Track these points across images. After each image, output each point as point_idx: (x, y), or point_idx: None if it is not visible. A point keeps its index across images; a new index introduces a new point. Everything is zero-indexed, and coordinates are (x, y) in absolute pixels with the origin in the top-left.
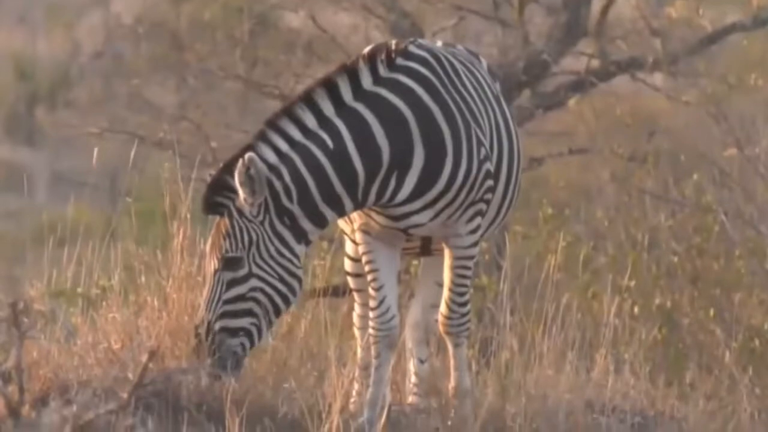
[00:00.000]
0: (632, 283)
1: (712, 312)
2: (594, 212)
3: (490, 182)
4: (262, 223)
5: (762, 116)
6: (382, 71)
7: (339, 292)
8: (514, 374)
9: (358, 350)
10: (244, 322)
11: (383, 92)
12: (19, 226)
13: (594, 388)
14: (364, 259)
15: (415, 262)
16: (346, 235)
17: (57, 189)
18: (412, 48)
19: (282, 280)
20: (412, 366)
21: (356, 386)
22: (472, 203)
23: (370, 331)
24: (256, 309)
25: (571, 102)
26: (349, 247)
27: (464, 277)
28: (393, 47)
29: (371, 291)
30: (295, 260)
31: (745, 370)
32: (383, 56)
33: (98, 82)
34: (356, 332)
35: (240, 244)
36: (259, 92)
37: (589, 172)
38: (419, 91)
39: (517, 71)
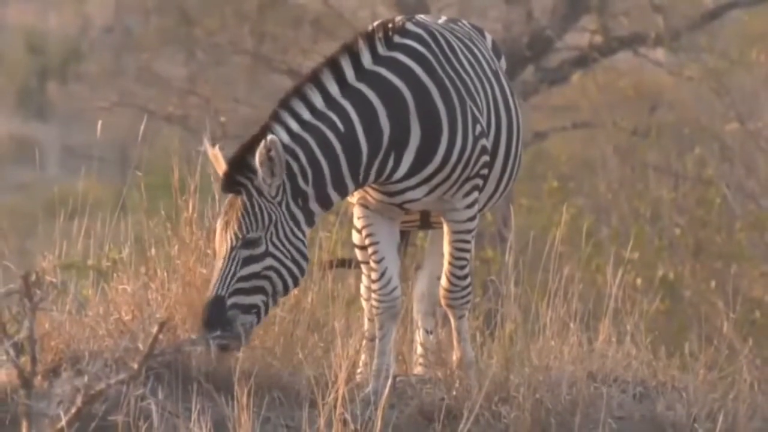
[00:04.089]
0: (635, 255)
1: (713, 284)
2: (597, 185)
3: (485, 158)
4: (280, 204)
5: (763, 91)
6: (381, 50)
7: (346, 264)
8: (518, 345)
9: (365, 322)
10: (256, 299)
11: (383, 71)
12: (31, 199)
13: (596, 358)
14: (363, 232)
15: (421, 234)
16: (352, 206)
17: (68, 162)
18: (409, 25)
19: (294, 260)
20: (418, 337)
21: (363, 357)
22: (468, 179)
23: (373, 303)
24: (268, 287)
25: (575, 77)
26: (356, 219)
27: (463, 250)
28: (391, 25)
29: (372, 263)
30: (305, 240)
31: (745, 341)
32: (381, 34)
33: (108, 57)
34: (363, 304)
35: (261, 224)
36: (267, 67)
37: (593, 145)
38: (415, 68)
39: (522, 47)
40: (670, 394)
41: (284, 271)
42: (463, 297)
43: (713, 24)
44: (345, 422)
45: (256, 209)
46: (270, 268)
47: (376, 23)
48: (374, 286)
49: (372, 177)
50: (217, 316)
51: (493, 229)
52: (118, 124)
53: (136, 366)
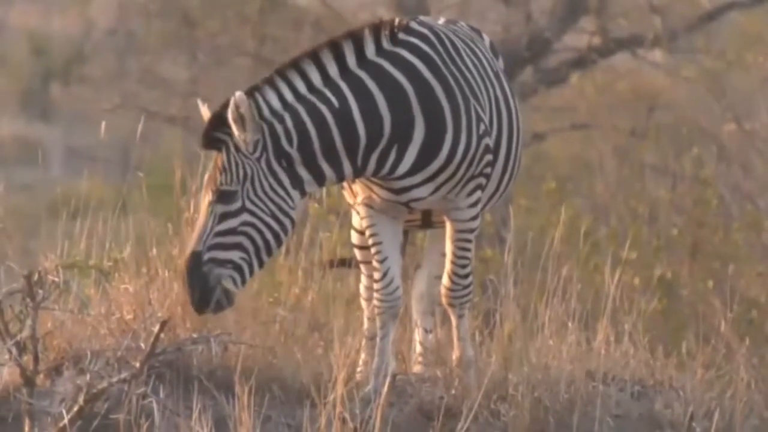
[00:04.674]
0: (633, 255)
1: (710, 283)
2: (595, 186)
3: (489, 157)
4: (258, 160)
5: (760, 92)
6: (385, 44)
7: (346, 263)
8: (517, 344)
9: (365, 321)
10: (233, 255)
11: (385, 64)
12: (34, 200)
13: (595, 357)
14: (367, 232)
15: (420, 234)
16: (352, 208)
17: (71, 163)
18: (413, 24)
19: (274, 217)
20: (417, 336)
21: (363, 356)
22: (472, 177)
23: (375, 302)
24: (247, 244)
25: (573, 78)
26: (355, 220)
27: (465, 249)
28: (396, 23)
29: (375, 263)
30: (288, 201)
31: (742, 341)
32: (387, 30)
33: (111, 59)
34: (363, 303)
35: (235, 178)
36: (268, 69)
37: (591, 146)
38: (420, 66)
39: (520, 48)
40: (667, 392)
41: (263, 228)
42: (464, 296)
43: (710, 25)
44: (345, 421)
45: (232, 164)
46: (247, 224)
47: (382, 19)
48: (377, 286)
49: (372, 167)
50: (194, 271)
51: (492, 230)
52: (120, 126)
53: (137, 365)
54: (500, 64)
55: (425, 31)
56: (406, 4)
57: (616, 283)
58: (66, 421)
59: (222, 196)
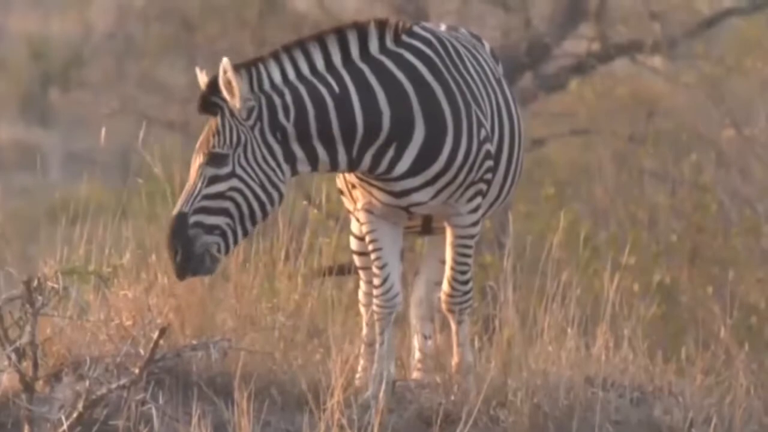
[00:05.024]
0: (632, 261)
1: (710, 289)
2: (595, 191)
3: (490, 163)
4: (252, 128)
5: (759, 97)
6: (389, 43)
7: (345, 270)
8: (516, 350)
9: (364, 327)
10: (219, 220)
11: (387, 62)
12: (33, 205)
13: (594, 363)
14: (367, 237)
15: (419, 240)
16: (351, 214)
17: (70, 168)
18: (416, 28)
19: (263, 186)
20: (416, 342)
21: (362, 362)
22: (472, 183)
23: (374, 308)
24: (233, 210)
25: (573, 84)
26: (354, 226)
27: (466, 255)
28: (400, 24)
29: (374, 269)
30: (279, 173)
31: (741, 346)
32: (391, 30)
33: (110, 63)
34: (362, 309)
35: (227, 142)
36: None
37: (590, 152)
38: (421, 68)
39: (520, 54)
40: (666, 398)
41: (251, 195)
42: (464, 302)
43: (710, 31)
44: (343, 427)
45: (226, 128)
46: (235, 189)
47: (388, 18)
48: (376, 292)
49: (368, 162)
50: (178, 233)
51: (491, 235)
52: (119, 131)
53: (137, 371)
54: (500, 70)
55: (428, 35)
56: (405, 9)
57: (616, 288)
58: (65, 427)
59: (213, 159)
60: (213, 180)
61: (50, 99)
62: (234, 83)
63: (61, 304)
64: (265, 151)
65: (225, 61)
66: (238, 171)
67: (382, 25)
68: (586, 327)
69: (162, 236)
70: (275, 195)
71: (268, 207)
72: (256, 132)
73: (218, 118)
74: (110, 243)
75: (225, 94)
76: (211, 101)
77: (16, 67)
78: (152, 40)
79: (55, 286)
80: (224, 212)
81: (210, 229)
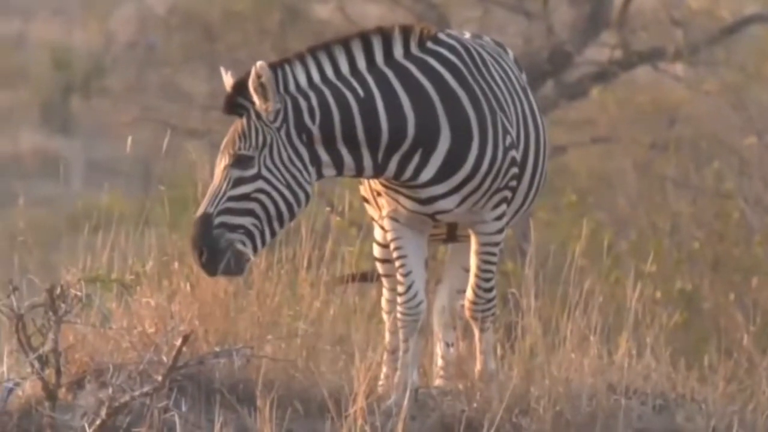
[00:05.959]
0: (654, 269)
1: (732, 296)
2: (616, 199)
3: (515, 170)
4: (278, 129)
5: None
6: (414, 49)
7: (368, 277)
8: (539, 358)
9: (386, 334)
10: (244, 221)
11: (412, 68)
12: (55, 213)
13: (616, 371)
14: (392, 245)
15: (442, 248)
16: (374, 222)
17: (92, 176)
18: (441, 35)
19: (289, 187)
20: (438, 350)
21: (384, 369)
22: (498, 190)
23: (398, 315)
24: (259, 211)
25: (594, 91)
26: (377, 234)
27: (490, 263)
28: (425, 30)
29: (399, 276)
30: (305, 174)
31: (764, 354)
32: (416, 36)
33: (132, 72)
34: (384, 316)
35: (253, 144)
36: None
37: (612, 160)
38: (446, 75)
39: (541, 61)
40: (689, 406)
41: (277, 197)
42: (487, 309)
43: (731, 38)
44: None
45: (252, 130)
46: (261, 191)
47: (413, 24)
48: (400, 299)
49: (393, 168)
50: (203, 233)
51: (513, 243)
52: (141, 139)
53: (159, 378)
54: (524, 78)
55: (453, 42)
56: (427, 17)
57: (638, 296)
58: None
59: (239, 161)
60: (238, 182)
61: (72, 107)
62: (269, 87)
63: (84, 312)
64: (291, 153)
65: (261, 65)
66: (264, 172)
67: (406, 31)
68: (609, 335)
69: (186, 238)
70: (302, 195)
71: (295, 208)
72: (282, 134)
73: (244, 120)
74: (133, 251)
75: (255, 97)
76: (236, 102)
77: (38, 75)
78: (173, 49)
79: (78, 293)
80: (250, 213)
81: (234, 228)
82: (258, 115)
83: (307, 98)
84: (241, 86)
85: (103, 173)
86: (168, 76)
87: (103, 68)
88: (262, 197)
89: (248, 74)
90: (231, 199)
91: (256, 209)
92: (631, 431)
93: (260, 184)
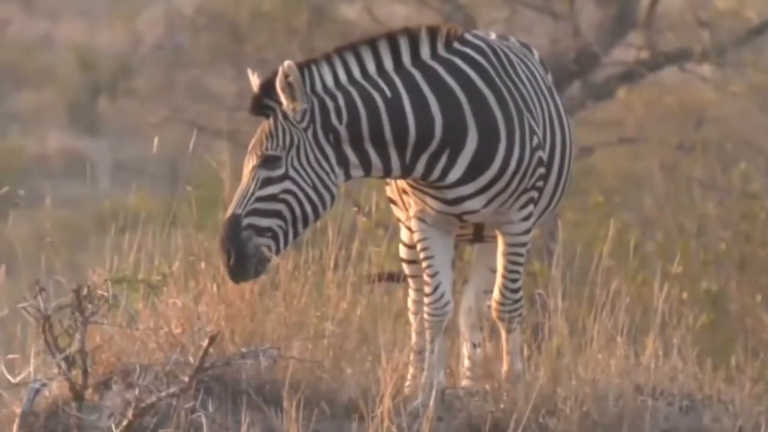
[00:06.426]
0: (680, 269)
1: (758, 297)
2: (643, 200)
3: (542, 170)
4: (305, 130)
5: None
6: (440, 50)
7: (394, 278)
8: (565, 358)
9: (413, 335)
10: (272, 222)
11: (439, 69)
12: (82, 213)
13: (643, 371)
14: (419, 246)
15: (468, 248)
16: (401, 223)
17: (118, 177)
18: (468, 36)
19: (315, 188)
20: (465, 350)
21: (411, 370)
22: (525, 191)
23: (425, 316)
24: (286, 212)
25: (621, 92)
26: (404, 234)
27: (517, 263)
28: (452, 31)
29: (426, 277)
30: (332, 175)
31: None
32: (443, 36)
33: (159, 72)
34: (411, 317)
35: (280, 144)
36: None
37: (638, 160)
38: (473, 76)
39: (568, 62)
40: (716, 406)
41: (303, 198)
42: (514, 310)
43: (759, 39)
44: None
45: (279, 130)
46: (288, 191)
47: (439, 24)
48: (427, 300)
49: (421, 169)
50: (232, 235)
51: (540, 243)
52: (168, 139)
53: (186, 379)
54: (550, 78)
55: (479, 43)
56: (454, 18)
57: (665, 297)
58: None
59: (266, 161)
60: (266, 182)
61: (99, 108)
62: (297, 87)
63: (111, 313)
64: (318, 154)
65: (288, 64)
66: (291, 173)
67: (433, 32)
68: (636, 335)
69: (215, 239)
70: (327, 197)
71: (320, 210)
72: (309, 134)
73: (271, 120)
74: (159, 251)
75: (283, 97)
76: (263, 103)
77: (65, 76)
78: (200, 49)
79: (105, 294)
80: (276, 214)
81: (262, 231)
82: (285, 116)
83: (334, 98)
84: (268, 87)
85: (130, 174)
86: (195, 76)
87: (130, 69)
88: (289, 198)
89: (275, 74)
90: (259, 199)
91: (282, 210)
92: None
93: (287, 184)
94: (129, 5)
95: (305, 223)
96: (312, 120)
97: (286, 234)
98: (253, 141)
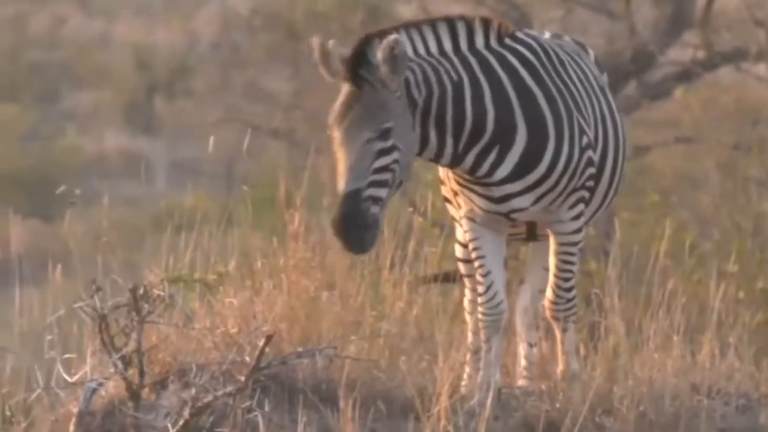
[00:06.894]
0: (737, 269)
1: None
2: (700, 199)
3: (592, 170)
4: (399, 98)
5: None
6: (493, 41)
7: (450, 277)
8: (622, 358)
9: (469, 334)
10: (383, 192)
11: (492, 60)
12: (139, 213)
13: (699, 371)
14: (470, 245)
15: (523, 248)
16: (456, 222)
17: (175, 176)
18: (520, 34)
19: (406, 159)
20: (521, 350)
21: (467, 369)
22: (574, 190)
23: (479, 316)
24: (391, 182)
25: (677, 92)
26: (459, 234)
27: (569, 263)
28: (503, 25)
29: (478, 277)
30: (416, 145)
31: None
32: (495, 29)
33: (215, 72)
34: (467, 317)
35: (390, 115)
36: None
37: (695, 160)
38: (523, 73)
39: (624, 62)
40: None
41: (404, 166)
42: (567, 309)
43: None
44: None
45: (390, 102)
46: (396, 161)
47: (491, 17)
48: (480, 300)
49: (470, 162)
50: (354, 209)
51: (596, 243)
52: (224, 139)
53: (242, 378)
54: (604, 78)
55: (530, 41)
56: (509, 17)
57: (721, 296)
58: None
59: (382, 134)
60: (380, 153)
61: (156, 108)
62: (402, 59)
63: (167, 312)
64: (409, 123)
65: (395, 38)
66: (398, 143)
67: (486, 23)
68: (692, 335)
69: (332, 214)
70: (412, 167)
71: (407, 179)
72: (402, 104)
73: (373, 92)
74: (215, 251)
75: (386, 70)
76: (360, 74)
77: (121, 76)
78: (257, 49)
79: (161, 293)
80: (386, 184)
81: (376, 201)
82: (384, 84)
83: (413, 71)
84: (361, 59)
85: (186, 173)
86: (251, 76)
87: (187, 68)
88: (396, 167)
89: (363, 44)
90: (375, 171)
91: (389, 180)
92: (715, 431)
93: (396, 155)
94: (185, 4)
95: (398, 189)
96: (401, 90)
97: (386, 204)
98: (337, 111)
